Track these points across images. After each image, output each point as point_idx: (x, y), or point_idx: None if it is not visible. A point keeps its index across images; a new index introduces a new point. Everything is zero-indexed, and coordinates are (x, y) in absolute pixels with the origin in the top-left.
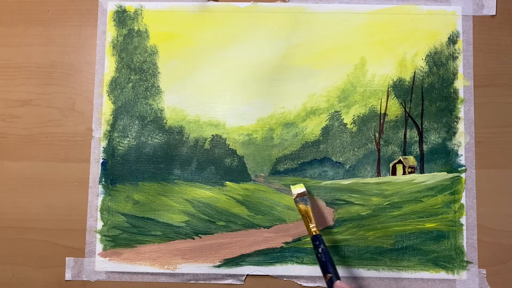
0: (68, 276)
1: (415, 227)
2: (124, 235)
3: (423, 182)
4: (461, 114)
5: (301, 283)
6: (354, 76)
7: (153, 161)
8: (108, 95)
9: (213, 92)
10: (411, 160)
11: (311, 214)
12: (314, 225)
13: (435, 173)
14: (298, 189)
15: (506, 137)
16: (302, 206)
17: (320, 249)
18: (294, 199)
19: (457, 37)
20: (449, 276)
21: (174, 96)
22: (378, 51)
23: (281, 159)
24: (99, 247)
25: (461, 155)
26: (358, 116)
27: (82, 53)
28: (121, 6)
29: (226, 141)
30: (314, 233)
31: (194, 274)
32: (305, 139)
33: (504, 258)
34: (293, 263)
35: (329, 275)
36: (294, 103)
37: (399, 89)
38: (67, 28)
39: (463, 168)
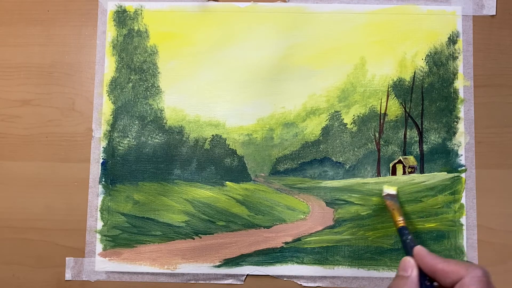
0: (68, 276)
1: (415, 227)
2: (124, 235)
3: (423, 182)
4: (461, 114)
5: (301, 283)
6: (354, 76)
7: (153, 161)
8: (108, 95)
9: (213, 92)
10: (411, 160)
11: (399, 210)
12: (402, 218)
13: (435, 173)
14: (391, 190)
15: (506, 137)
16: (390, 202)
17: (409, 237)
18: (383, 196)
19: (457, 37)
20: None
21: (174, 96)
22: (378, 51)
23: (281, 159)
24: (99, 247)
25: (461, 155)
26: (358, 116)
27: (82, 53)
28: (121, 6)
29: (226, 141)
30: (400, 225)
31: (194, 274)
32: (305, 139)
33: (504, 258)
34: (293, 263)
35: None
36: (294, 103)
37: (399, 89)
38: (67, 28)
39: (463, 168)
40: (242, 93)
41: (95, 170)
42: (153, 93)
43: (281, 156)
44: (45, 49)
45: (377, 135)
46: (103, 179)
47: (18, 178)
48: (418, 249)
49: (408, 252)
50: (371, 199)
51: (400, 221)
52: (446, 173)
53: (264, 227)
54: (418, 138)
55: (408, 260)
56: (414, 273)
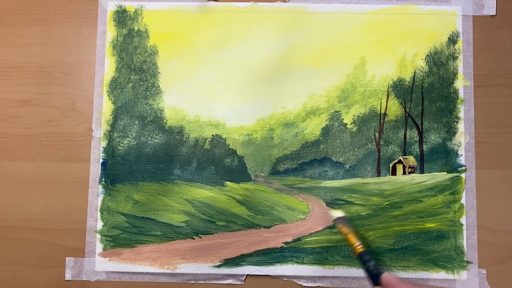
0: (68, 276)
1: (415, 227)
2: (124, 235)
3: (423, 182)
4: (461, 114)
5: (301, 283)
6: (354, 76)
7: (153, 161)
8: (108, 95)
9: (213, 92)
10: (411, 160)
11: (354, 233)
12: (359, 243)
13: (435, 173)
14: (338, 213)
15: (506, 137)
16: (342, 226)
17: (371, 264)
18: (333, 220)
19: (457, 37)
20: (449, 276)
21: (174, 96)
22: (378, 51)
23: (281, 159)
24: (99, 247)
25: (461, 155)
26: (358, 116)
27: (82, 53)
28: (121, 6)
29: (226, 141)
30: (359, 250)
31: (194, 274)
32: (305, 139)
33: (504, 258)
34: (293, 263)
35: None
36: (294, 103)
37: (399, 89)
38: (67, 28)
39: (463, 168)
40: (242, 93)
41: (95, 170)
42: (153, 93)
43: (281, 156)
44: (45, 49)
45: (377, 135)
46: (103, 179)
47: (18, 178)
48: (387, 276)
49: (373, 279)
50: (371, 199)
51: (358, 245)
52: (446, 173)
53: (264, 227)
54: (418, 138)
55: None
56: None
